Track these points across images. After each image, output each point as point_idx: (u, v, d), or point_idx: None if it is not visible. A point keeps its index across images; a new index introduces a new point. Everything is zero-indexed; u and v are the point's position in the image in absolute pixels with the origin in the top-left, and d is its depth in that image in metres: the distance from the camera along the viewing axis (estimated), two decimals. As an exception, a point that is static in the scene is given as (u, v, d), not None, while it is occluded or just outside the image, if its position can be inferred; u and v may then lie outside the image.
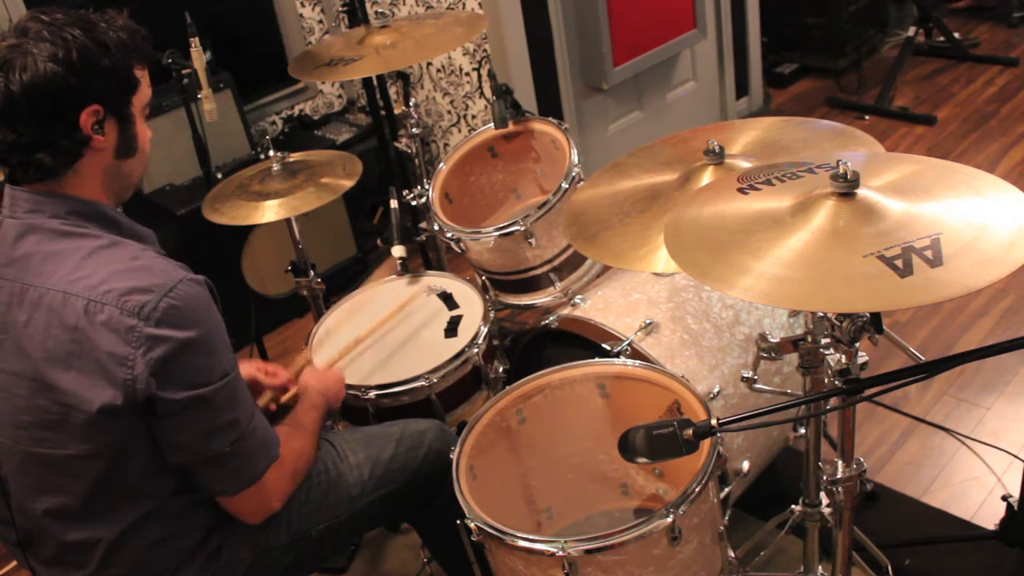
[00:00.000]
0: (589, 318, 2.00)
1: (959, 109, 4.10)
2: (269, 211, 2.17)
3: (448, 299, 2.17)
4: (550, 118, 2.28)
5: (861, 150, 1.63)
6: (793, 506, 1.83)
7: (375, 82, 2.86)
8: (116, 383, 1.26)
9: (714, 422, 1.22)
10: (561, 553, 1.42)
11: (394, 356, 2.04)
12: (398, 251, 2.39)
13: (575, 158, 2.12)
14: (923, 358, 2.10)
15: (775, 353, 1.53)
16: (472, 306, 2.12)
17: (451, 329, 2.07)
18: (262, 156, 2.36)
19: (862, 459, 1.50)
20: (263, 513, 1.48)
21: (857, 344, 1.36)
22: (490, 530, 1.49)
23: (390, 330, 2.12)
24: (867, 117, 4.14)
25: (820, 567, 1.86)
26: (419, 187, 2.52)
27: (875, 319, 1.32)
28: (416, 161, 2.55)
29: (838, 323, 1.35)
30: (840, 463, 1.49)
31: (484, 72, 3.44)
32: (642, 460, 1.24)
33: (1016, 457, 2.31)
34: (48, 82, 1.25)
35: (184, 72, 2.40)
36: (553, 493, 1.90)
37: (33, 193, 1.33)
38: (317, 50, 2.53)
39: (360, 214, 3.62)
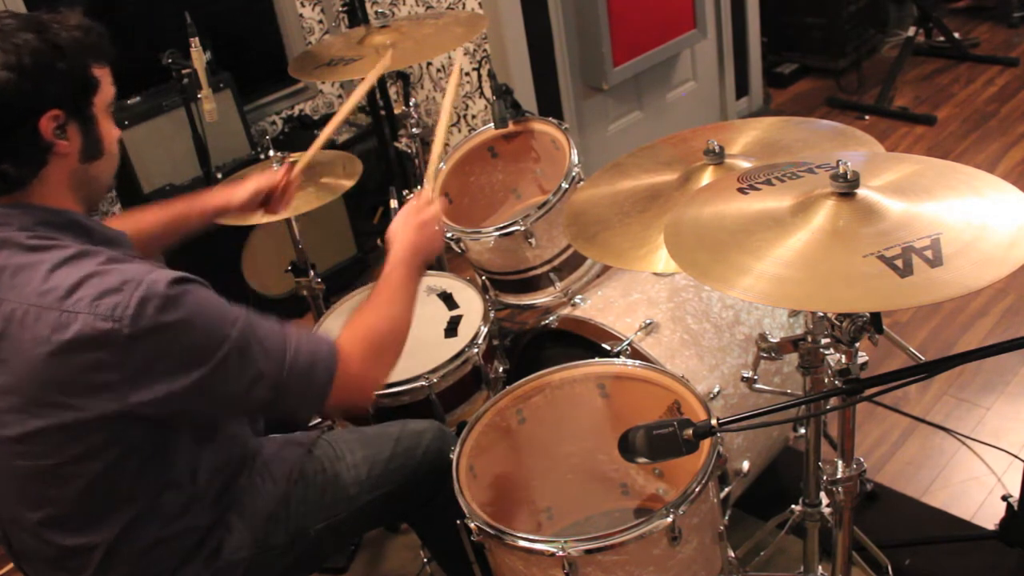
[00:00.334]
0: (589, 318, 2.00)
1: (959, 109, 4.10)
2: (269, 211, 2.18)
3: (448, 299, 2.17)
4: (550, 118, 2.28)
5: (861, 150, 1.63)
6: (793, 506, 1.83)
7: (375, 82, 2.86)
8: (99, 388, 1.24)
9: (714, 422, 1.22)
10: (561, 553, 1.42)
11: (394, 356, 2.04)
12: (398, 251, 2.38)
13: (575, 158, 2.12)
14: (923, 358, 2.10)
15: (775, 353, 1.53)
16: (472, 306, 2.13)
17: (451, 329, 2.07)
18: (262, 156, 2.37)
19: (862, 459, 1.50)
20: (365, 398, 1.50)
21: (857, 344, 1.36)
22: (490, 530, 1.49)
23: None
24: (867, 117, 4.14)
25: (820, 567, 1.86)
26: (419, 187, 2.52)
27: (875, 319, 1.32)
28: (416, 161, 2.55)
29: (838, 323, 1.35)
30: (840, 463, 1.49)
31: (484, 72, 3.44)
32: (642, 460, 1.24)
33: (1016, 457, 2.31)
34: (1, 91, 1.20)
35: (184, 72, 2.40)
36: (553, 493, 1.90)
37: (1, 207, 1.29)
38: (317, 50, 2.53)
39: (360, 214, 3.62)
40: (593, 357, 1.84)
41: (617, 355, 1.88)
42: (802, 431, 1.80)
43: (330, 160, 2.26)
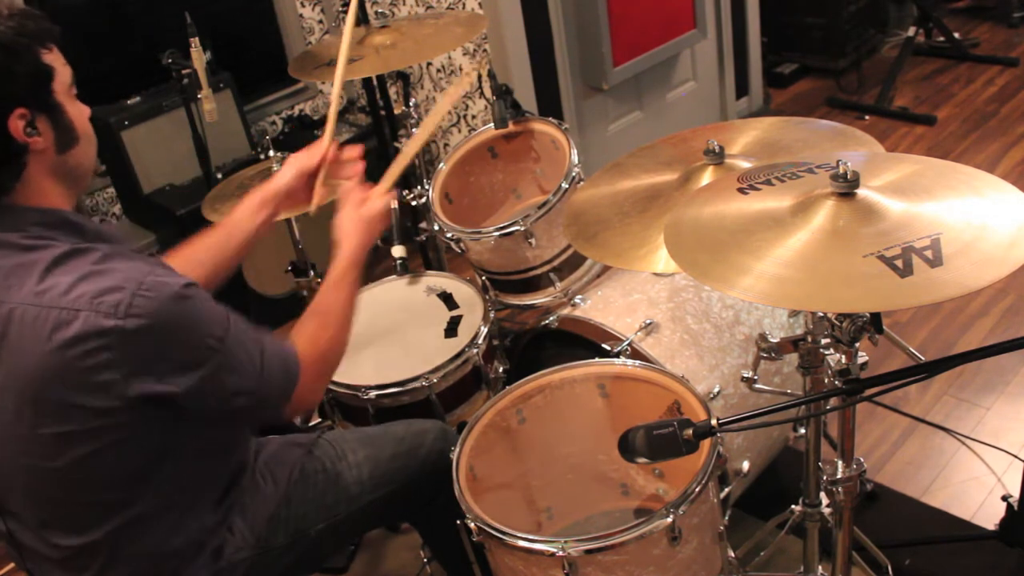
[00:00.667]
0: (589, 318, 2.00)
1: (959, 109, 4.10)
2: (269, 211, 2.17)
3: (448, 299, 2.17)
4: (550, 118, 2.28)
5: (861, 150, 1.63)
6: (793, 506, 1.83)
7: (375, 82, 2.86)
8: (102, 387, 1.23)
9: (714, 422, 1.22)
10: (561, 553, 1.42)
11: (394, 356, 2.04)
12: (398, 251, 2.39)
13: (575, 158, 2.12)
14: (923, 358, 2.10)
15: (775, 353, 1.53)
16: (472, 306, 2.13)
17: (451, 329, 2.07)
18: (262, 156, 2.36)
19: (862, 459, 1.50)
20: (308, 409, 1.52)
21: (857, 344, 1.36)
22: (490, 530, 1.48)
23: (390, 330, 2.12)
24: (867, 117, 4.14)
25: (820, 567, 1.86)
26: (419, 187, 2.52)
27: (875, 319, 1.32)
28: (416, 161, 2.54)
29: (838, 323, 1.35)
30: (840, 463, 1.49)
31: (484, 72, 3.44)
32: (642, 460, 1.24)
33: (1016, 457, 2.31)
34: None
35: (184, 72, 2.40)
36: (553, 493, 1.90)
37: None
38: (317, 50, 2.53)
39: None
40: (593, 357, 1.84)
41: (617, 355, 1.88)
42: (802, 431, 1.80)
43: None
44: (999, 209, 1.22)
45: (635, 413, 1.77)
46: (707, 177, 1.62)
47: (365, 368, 2.01)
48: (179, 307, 1.25)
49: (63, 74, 1.29)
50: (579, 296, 2.14)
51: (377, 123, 2.95)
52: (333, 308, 1.54)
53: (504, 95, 2.23)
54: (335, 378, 1.97)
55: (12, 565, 1.50)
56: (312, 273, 2.36)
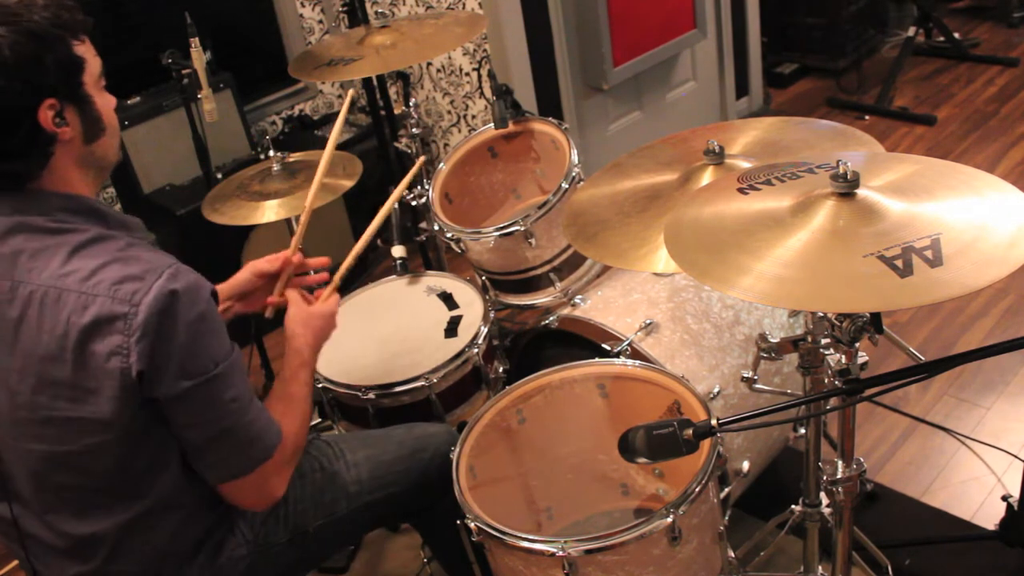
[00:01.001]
0: (589, 318, 2.00)
1: (959, 109, 4.10)
2: (269, 211, 2.18)
3: (448, 299, 2.17)
4: (550, 118, 2.28)
5: (861, 150, 1.63)
6: (793, 506, 1.83)
7: (375, 82, 2.86)
8: (113, 375, 1.25)
9: (714, 422, 1.22)
10: (561, 553, 1.42)
11: (394, 356, 2.04)
12: (398, 251, 2.39)
13: (575, 158, 2.12)
14: (923, 358, 2.10)
15: (775, 353, 1.53)
16: (472, 306, 2.12)
17: (451, 329, 2.07)
18: (262, 156, 2.37)
19: (862, 459, 1.50)
20: (267, 499, 1.45)
21: (857, 344, 1.36)
22: (490, 530, 1.49)
23: (390, 330, 2.12)
24: (867, 117, 4.14)
25: (820, 567, 1.86)
26: (419, 187, 2.52)
27: (875, 319, 1.32)
28: (416, 161, 2.54)
29: (838, 323, 1.35)
30: (840, 463, 1.49)
31: (484, 72, 3.44)
32: (642, 460, 1.24)
33: (1016, 457, 2.31)
34: None
35: (184, 72, 2.40)
36: (553, 493, 1.90)
37: (15, 196, 1.30)
38: (317, 50, 2.53)
39: (360, 214, 3.62)
40: (593, 357, 1.84)
41: (617, 355, 1.88)
42: (802, 431, 1.80)
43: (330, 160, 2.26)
44: (999, 209, 1.22)
45: (635, 413, 1.77)
46: (707, 177, 1.62)
47: (365, 368, 2.01)
48: (193, 305, 1.27)
49: (93, 65, 1.31)
50: (579, 296, 2.14)
51: (377, 123, 2.95)
52: (295, 398, 1.53)
53: (504, 95, 2.23)
54: (335, 378, 1.97)
55: (15, 563, 1.50)
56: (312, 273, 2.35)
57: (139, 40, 3.41)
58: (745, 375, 1.64)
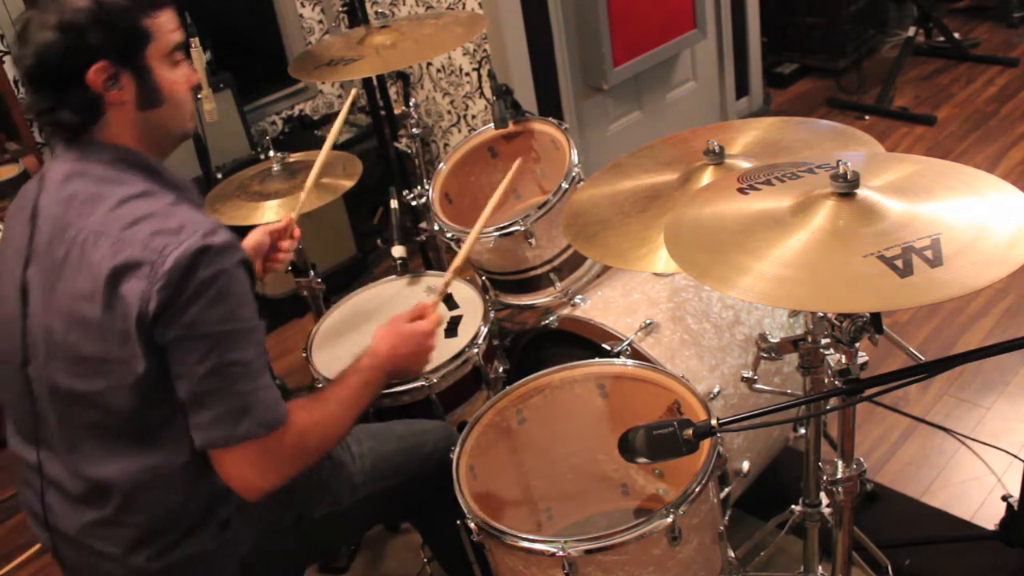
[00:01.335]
0: (589, 318, 2.00)
1: (959, 109, 4.10)
2: (269, 211, 2.18)
3: (448, 299, 2.17)
4: (550, 118, 2.28)
5: (861, 150, 1.63)
6: (793, 506, 1.83)
7: (375, 82, 2.86)
8: (135, 319, 1.29)
9: (714, 422, 1.22)
10: (561, 553, 1.42)
11: (394, 356, 2.03)
12: (398, 251, 2.39)
13: (575, 158, 2.12)
14: (923, 358, 2.10)
15: (775, 353, 1.53)
16: (472, 306, 2.12)
17: (451, 329, 2.07)
18: (262, 156, 2.37)
19: (862, 459, 1.50)
20: (250, 485, 1.39)
21: (857, 344, 1.36)
22: (490, 530, 1.49)
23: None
24: (867, 117, 4.14)
25: (820, 567, 1.86)
26: (419, 187, 2.52)
27: (875, 319, 1.32)
28: (416, 161, 2.55)
29: (838, 323, 1.35)
30: (840, 463, 1.49)
31: (484, 72, 3.44)
32: (642, 460, 1.24)
33: (1016, 457, 2.31)
34: (47, 50, 1.31)
35: (184, 72, 2.39)
36: (553, 493, 1.90)
37: (81, 145, 1.38)
38: (317, 50, 2.53)
39: (360, 214, 3.62)
40: (593, 357, 1.84)
41: (617, 355, 1.88)
42: (802, 431, 1.80)
43: (330, 160, 2.26)
44: (999, 209, 1.22)
45: (635, 413, 1.77)
46: (707, 177, 1.62)
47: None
48: (219, 266, 1.30)
49: (165, 40, 1.39)
50: (579, 296, 2.14)
51: (377, 123, 2.95)
52: (329, 399, 1.53)
53: (504, 95, 2.23)
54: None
55: (15, 563, 1.50)
56: (312, 273, 2.35)
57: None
58: (745, 375, 1.64)
